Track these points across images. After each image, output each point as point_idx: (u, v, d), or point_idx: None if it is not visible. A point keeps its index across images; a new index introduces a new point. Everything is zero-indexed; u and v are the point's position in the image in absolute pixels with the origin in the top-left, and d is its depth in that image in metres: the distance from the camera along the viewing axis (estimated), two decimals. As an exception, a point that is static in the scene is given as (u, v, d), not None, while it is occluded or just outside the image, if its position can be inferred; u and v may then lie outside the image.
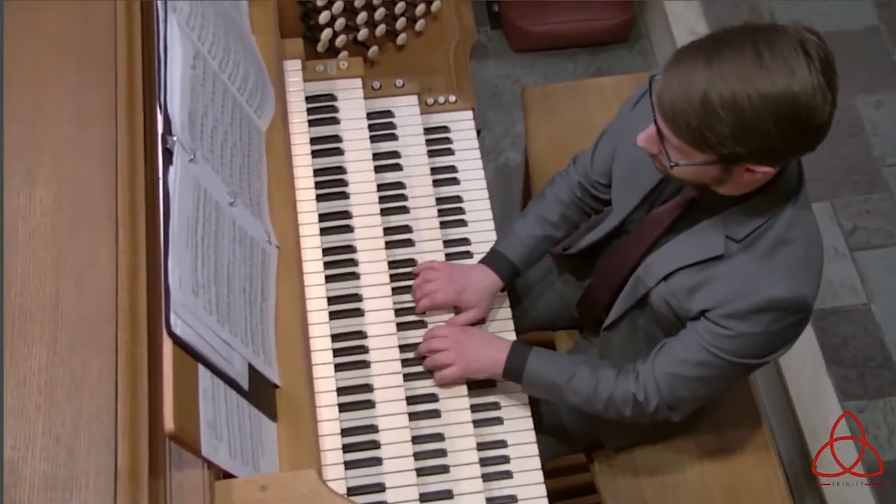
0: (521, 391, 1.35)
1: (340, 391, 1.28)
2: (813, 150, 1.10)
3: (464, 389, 1.37)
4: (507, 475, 1.34)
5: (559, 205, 1.43)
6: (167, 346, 1.00)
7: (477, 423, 1.35)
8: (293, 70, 1.46)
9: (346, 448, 1.25)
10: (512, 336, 1.43)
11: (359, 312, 1.37)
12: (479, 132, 1.62)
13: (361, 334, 1.35)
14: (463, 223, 1.52)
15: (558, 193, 1.44)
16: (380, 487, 1.25)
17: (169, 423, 0.96)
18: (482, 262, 1.42)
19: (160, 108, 1.10)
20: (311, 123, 1.46)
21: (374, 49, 1.70)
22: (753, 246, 1.16)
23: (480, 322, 1.41)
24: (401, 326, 1.39)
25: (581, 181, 1.43)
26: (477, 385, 1.39)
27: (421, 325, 1.41)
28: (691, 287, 1.20)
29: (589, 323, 1.52)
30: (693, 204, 1.23)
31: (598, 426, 1.47)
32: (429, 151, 1.54)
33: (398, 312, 1.39)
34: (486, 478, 1.32)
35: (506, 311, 1.45)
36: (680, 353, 1.23)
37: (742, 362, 1.21)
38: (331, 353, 1.28)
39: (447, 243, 1.48)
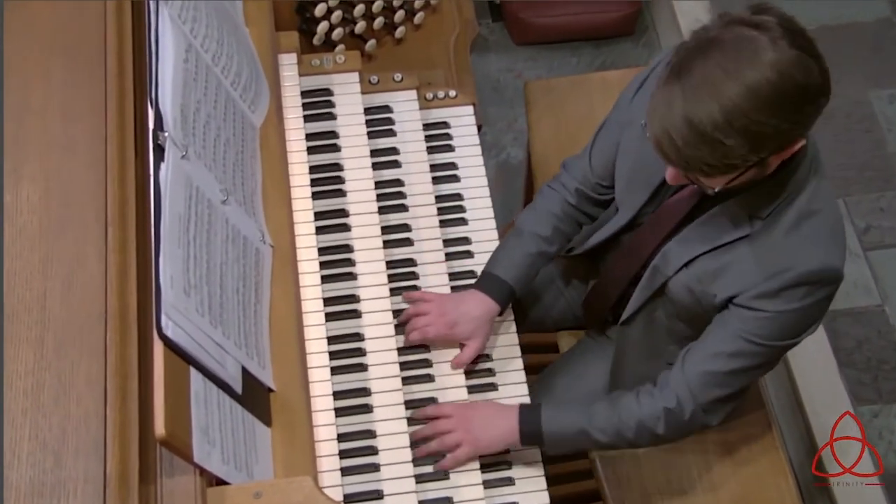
0: (547, 452, 1.31)
1: (337, 395, 1.26)
2: (826, 104, 1.07)
3: (464, 393, 1.35)
4: (509, 482, 1.32)
5: (552, 218, 1.39)
6: (158, 349, 0.99)
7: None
8: (288, 64, 1.45)
9: (343, 454, 1.23)
10: (514, 339, 1.41)
11: (356, 314, 1.35)
12: (479, 128, 1.61)
13: (358, 336, 1.33)
14: (463, 221, 1.50)
15: (550, 207, 1.39)
16: (377, 494, 1.24)
17: (160, 428, 0.95)
18: (476, 286, 1.37)
19: (151, 103, 1.09)
20: (307, 119, 1.44)
21: (371, 42, 1.68)
22: (777, 222, 1.14)
23: (485, 355, 1.36)
24: (399, 329, 1.37)
25: (579, 187, 1.39)
26: (477, 388, 1.37)
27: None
28: (716, 271, 1.18)
29: (594, 322, 1.50)
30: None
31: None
32: (428, 148, 1.52)
33: (396, 314, 1.38)
34: (487, 484, 1.30)
35: (507, 313, 1.42)
36: (712, 348, 1.20)
37: (778, 344, 1.18)
38: (327, 355, 1.27)
39: (447, 242, 1.47)
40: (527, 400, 1.37)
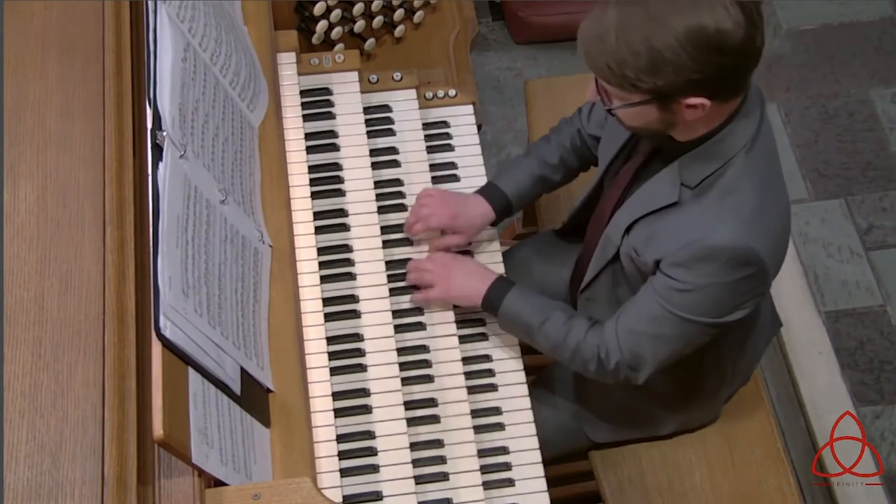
0: (499, 326, 1.37)
1: (336, 396, 1.26)
2: (746, 77, 1.10)
3: (464, 393, 1.34)
4: (509, 483, 1.31)
5: (560, 149, 1.45)
6: (156, 350, 0.98)
7: (477, 429, 1.33)
8: (287, 63, 1.45)
9: (342, 455, 1.23)
10: (514, 339, 1.40)
11: (355, 314, 1.34)
12: (479, 127, 1.60)
13: (358, 337, 1.33)
14: (463, 221, 1.49)
15: (561, 139, 1.46)
16: (377, 496, 1.23)
17: (158, 429, 0.95)
18: (478, 192, 1.44)
19: (149, 102, 1.08)
20: (306, 118, 1.44)
21: (370, 41, 1.68)
22: (705, 194, 1.16)
23: (467, 249, 1.44)
24: (399, 329, 1.37)
25: (580, 129, 1.45)
26: (478, 389, 1.37)
27: (420, 327, 1.39)
28: (647, 237, 1.20)
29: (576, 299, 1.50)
30: (656, 154, 1.24)
31: (583, 416, 1.46)
32: (428, 147, 1.52)
33: (396, 314, 1.37)
34: (487, 485, 1.30)
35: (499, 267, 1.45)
36: (638, 308, 1.23)
37: (692, 319, 1.18)
38: (326, 356, 1.26)
39: (447, 242, 1.46)
40: (527, 401, 1.37)
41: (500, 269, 1.46)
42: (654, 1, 1.04)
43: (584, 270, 1.37)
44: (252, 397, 1.12)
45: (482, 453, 1.31)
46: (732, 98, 1.12)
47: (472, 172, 1.52)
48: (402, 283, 1.40)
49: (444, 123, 1.56)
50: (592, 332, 1.27)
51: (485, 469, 1.30)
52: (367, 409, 1.28)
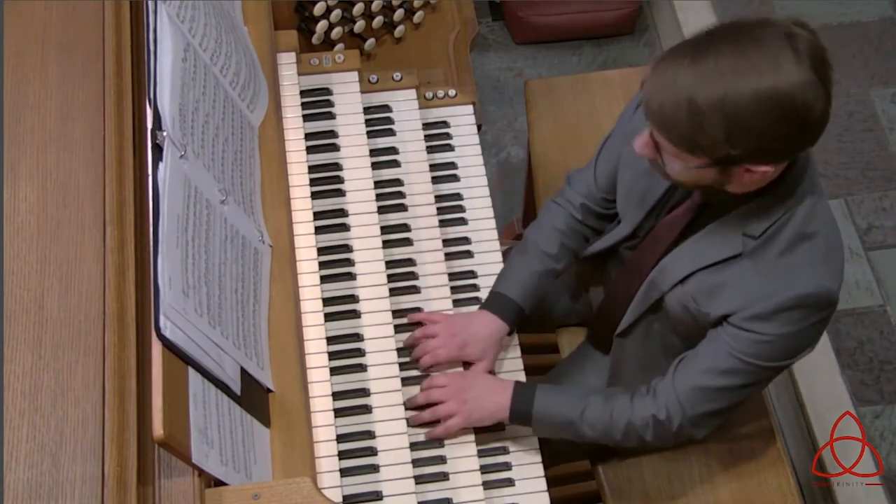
0: (532, 434, 1.31)
1: (336, 396, 1.26)
2: (812, 146, 1.08)
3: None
4: (509, 483, 1.31)
5: (558, 235, 1.38)
6: (156, 350, 0.98)
7: (477, 430, 1.33)
8: (287, 63, 1.44)
9: (342, 455, 1.23)
10: (514, 339, 1.40)
11: (355, 314, 1.34)
12: (479, 127, 1.60)
13: (358, 337, 1.33)
14: (463, 221, 1.49)
15: (555, 223, 1.39)
16: (377, 495, 1.23)
17: (158, 429, 0.95)
18: (484, 306, 1.36)
19: (150, 102, 1.08)
20: (306, 118, 1.44)
21: (370, 41, 1.68)
22: (772, 242, 1.13)
23: (490, 372, 1.35)
24: (398, 329, 1.36)
25: (584, 202, 1.38)
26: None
27: (420, 327, 1.38)
28: (710, 289, 1.17)
29: (600, 341, 1.48)
30: (705, 207, 1.20)
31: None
32: (428, 147, 1.52)
33: (396, 314, 1.37)
34: (487, 486, 1.29)
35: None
36: (704, 363, 1.20)
37: (771, 365, 1.18)
38: (326, 356, 1.26)
39: (447, 242, 1.46)
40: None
41: (500, 268, 1.44)
42: (732, 58, 0.98)
43: (611, 317, 1.34)
44: (252, 397, 1.12)
45: (482, 453, 1.31)
46: (789, 161, 1.10)
47: (472, 172, 1.52)
48: (402, 284, 1.40)
49: (444, 123, 1.56)
50: (639, 403, 1.23)
51: (485, 469, 1.30)
52: (367, 409, 1.28)
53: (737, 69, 0.99)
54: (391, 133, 1.51)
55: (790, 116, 1.00)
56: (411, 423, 1.28)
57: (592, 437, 1.27)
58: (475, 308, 1.40)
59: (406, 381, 1.32)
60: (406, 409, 1.28)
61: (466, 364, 1.35)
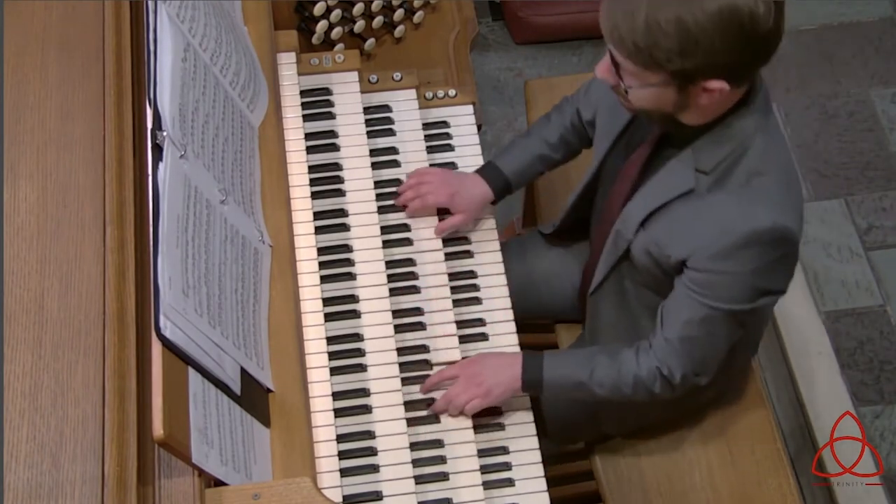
0: (547, 399, 1.33)
1: (336, 396, 1.26)
2: (766, 62, 1.10)
3: (464, 393, 1.34)
4: (509, 483, 1.31)
5: (560, 128, 1.44)
6: (156, 350, 0.98)
7: (477, 429, 1.33)
8: (287, 63, 1.44)
9: (342, 455, 1.23)
10: (514, 339, 1.40)
11: (355, 314, 1.34)
12: (480, 127, 1.60)
13: (358, 337, 1.33)
14: (463, 221, 1.49)
15: (562, 118, 1.44)
16: (377, 496, 1.23)
17: (158, 429, 0.95)
18: (477, 172, 1.44)
19: (150, 102, 1.08)
20: (306, 118, 1.43)
21: (370, 41, 1.68)
22: (727, 180, 1.15)
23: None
24: (399, 329, 1.36)
25: (579, 108, 1.44)
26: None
27: (420, 327, 1.38)
28: (669, 230, 1.19)
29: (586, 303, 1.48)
30: (663, 141, 1.22)
31: (600, 415, 1.44)
32: (428, 147, 1.52)
33: (396, 314, 1.37)
34: (487, 485, 1.29)
35: (498, 267, 1.44)
36: (681, 314, 1.21)
37: (740, 308, 1.17)
38: (326, 356, 1.26)
39: (446, 242, 1.46)
40: (528, 401, 1.36)
41: (500, 268, 1.45)
42: None
43: (593, 270, 1.36)
44: (252, 397, 1.12)
45: (482, 453, 1.31)
46: (746, 84, 1.12)
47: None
48: (402, 283, 1.40)
49: (444, 123, 1.56)
50: (643, 357, 1.24)
51: (485, 469, 1.30)
52: (367, 409, 1.28)
53: None
54: (391, 133, 1.51)
55: (742, 30, 1.03)
56: (435, 410, 1.30)
57: (603, 395, 1.28)
58: (475, 311, 1.41)
59: (406, 381, 1.32)
60: (428, 412, 1.30)
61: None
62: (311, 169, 1.39)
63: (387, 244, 1.41)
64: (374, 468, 1.24)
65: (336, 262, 1.37)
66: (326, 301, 1.31)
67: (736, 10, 1.03)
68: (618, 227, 1.26)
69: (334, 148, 1.46)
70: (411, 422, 1.30)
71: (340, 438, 1.23)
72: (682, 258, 1.17)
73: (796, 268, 1.24)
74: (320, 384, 1.23)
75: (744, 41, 1.04)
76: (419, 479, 1.26)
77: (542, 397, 1.40)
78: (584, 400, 1.32)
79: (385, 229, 1.42)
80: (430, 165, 1.50)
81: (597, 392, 1.28)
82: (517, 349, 1.41)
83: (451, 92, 1.57)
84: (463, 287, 1.43)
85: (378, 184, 1.45)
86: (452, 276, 1.43)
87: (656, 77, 1.08)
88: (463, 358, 1.36)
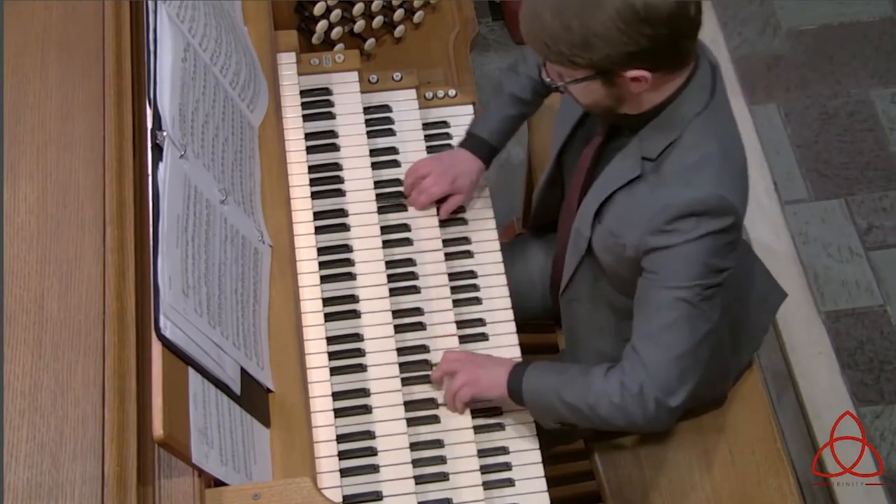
0: (531, 413, 1.31)
1: (336, 396, 1.26)
2: (682, 47, 1.11)
3: (464, 394, 1.34)
4: (509, 483, 1.31)
5: (530, 81, 1.44)
6: (156, 350, 0.98)
7: (478, 429, 1.33)
8: (287, 63, 1.44)
9: (342, 455, 1.23)
10: (514, 339, 1.40)
11: (355, 314, 1.34)
12: (479, 127, 1.59)
13: (358, 337, 1.33)
14: (463, 221, 1.49)
15: (529, 70, 1.44)
16: (377, 496, 1.23)
17: (158, 429, 0.95)
18: (462, 145, 1.46)
19: (150, 102, 1.08)
20: (306, 118, 1.44)
21: (370, 41, 1.68)
22: (666, 161, 1.17)
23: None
24: (399, 329, 1.36)
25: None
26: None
27: (420, 327, 1.38)
28: (620, 217, 1.20)
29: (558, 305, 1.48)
30: (613, 132, 1.24)
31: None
32: (428, 147, 1.52)
33: (396, 314, 1.37)
34: (487, 486, 1.29)
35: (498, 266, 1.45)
36: (642, 310, 1.20)
37: (687, 285, 1.16)
38: (326, 356, 1.26)
39: (446, 242, 1.46)
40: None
41: (501, 268, 1.45)
42: None
43: (560, 271, 1.36)
44: (252, 397, 1.12)
45: (482, 453, 1.31)
46: (677, 69, 1.14)
47: (472, 172, 1.52)
48: (402, 284, 1.40)
49: (444, 123, 1.56)
50: (612, 371, 1.21)
51: (485, 469, 1.29)
52: (367, 409, 1.28)
53: None
54: (391, 133, 1.51)
55: (638, 17, 1.05)
56: (433, 380, 1.32)
57: (575, 419, 1.24)
58: (475, 311, 1.41)
59: (406, 381, 1.32)
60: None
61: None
62: (311, 169, 1.39)
63: (387, 244, 1.41)
64: (374, 468, 1.24)
65: (336, 262, 1.37)
66: (326, 301, 1.31)
67: (631, 2, 1.05)
68: (576, 224, 1.28)
69: (334, 148, 1.46)
70: (411, 422, 1.30)
71: (340, 438, 1.23)
72: (633, 244, 1.19)
73: (797, 268, 1.24)
74: (320, 384, 1.23)
75: (644, 28, 1.06)
76: (419, 480, 1.26)
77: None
78: (562, 415, 1.27)
79: (385, 229, 1.42)
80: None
81: (564, 414, 1.24)
82: (517, 349, 1.41)
83: (451, 92, 1.57)
84: (463, 287, 1.43)
85: (378, 184, 1.45)
86: (452, 276, 1.43)
87: (579, 72, 1.12)
88: None
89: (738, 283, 1.31)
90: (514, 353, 1.40)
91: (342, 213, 1.41)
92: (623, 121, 1.20)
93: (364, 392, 1.29)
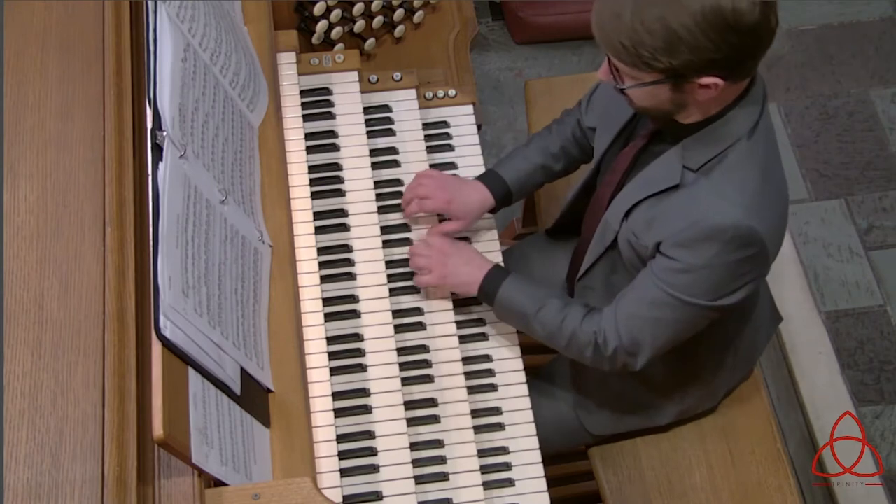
0: (494, 315, 1.36)
1: (336, 396, 1.26)
2: (759, 56, 1.10)
3: (464, 393, 1.34)
4: (509, 483, 1.31)
5: (562, 138, 1.45)
6: (156, 350, 0.98)
7: (477, 429, 1.33)
8: (287, 63, 1.44)
9: (342, 455, 1.23)
10: (514, 339, 1.40)
11: (355, 314, 1.34)
12: (479, 127, 1.60)
13: (358, 337, 1.33)
14: (463, 221, 1.49)
15: (562, 129, 1.46)
16: (377, 496, 1.23)
17: (158, 429, 0.95)
18: (478, 178, 1.44)
19: (150, 102, 1.08)
20: (306, 118, 1.44)
21: (370, 41, 1.68)
22: (706, 176, 1.16)
23: (465, 240, 1.43)
24: (399, 329, 1.36)
25: (579, 120, 1.45)
26: (477, 389, 1.36)
27: (420, 327, 1.38)
28: (648, 220, 1.20)
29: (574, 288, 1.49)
30: (656, 136, 1.23)
31: (581, 405, 1.45)
32: (428, 147, 1.52)
33: (396, 314, 1.37)
34: (487, 486, 1.30)
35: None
36: (637, 292, 1.22)
37: (691, 301, 1.18)
38: (326, 356, 1.26)
39: (447, 242, 1.45)
40: (527, 401, 1.37)
41: (499, 257, 1.46)
42: None
43: (581, 259, 1.37)
44: (252, 397, 1.12)
45: (482, 453, 1.31)
46: (743, 79, 1.13)
47: (472, 172, 1.51)
48: (402, 283, 1.40)
49: (444, 123, 1.56)
50: (589, 319, 1.26)
51: (485, 469, 1.30)
52: (367, 409, 1.28)
53: None
54: (391, 133, 1.51)
55: (727, 25, 1.04)
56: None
57: (541, 335, 1.30)
58: (476, 310, 1.41)
59: (406, 381, 1.32)
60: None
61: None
62: (311, 169, 1.40)
63: (387, 244, 1.41)
64: (374, 468, 1.24)
65: (336, 262, 1.37)
66: (326, 301, 1.31)
67: (718, 7, 1.03)
68: (607, 216, 1.27)
69: (334, 148, 1.46)
70: (411, 422, 1.30)
71: (340, 438, 1.23)
72: (653, 246, 1.19)
73: (797, 268, 1.24)
74: (320, 384, 1.23)
75: (730, 36, 1.05)
76: (419, 480, 1.26)
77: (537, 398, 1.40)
78: (523, 330, 1.34)
79: (385, 229, 1.42)
80: (430, 166, 1.50)
81: (537, 330, 1.30)
82: (517, 349, 1.41)
83: (451, 92, 1.57)
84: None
85: (378, 184, 1.45)
86: (452, 276, 1.43)
87: (650, 76, 1.09)
88: (464, 358, 1.36)
89: (746, 306, 1.31)
90: (515, 352, 1.40)
91: (342, 213, 1.41)
92: (670, 126, 1.18)
93: (364, 392, 1.29)
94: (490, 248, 1.46)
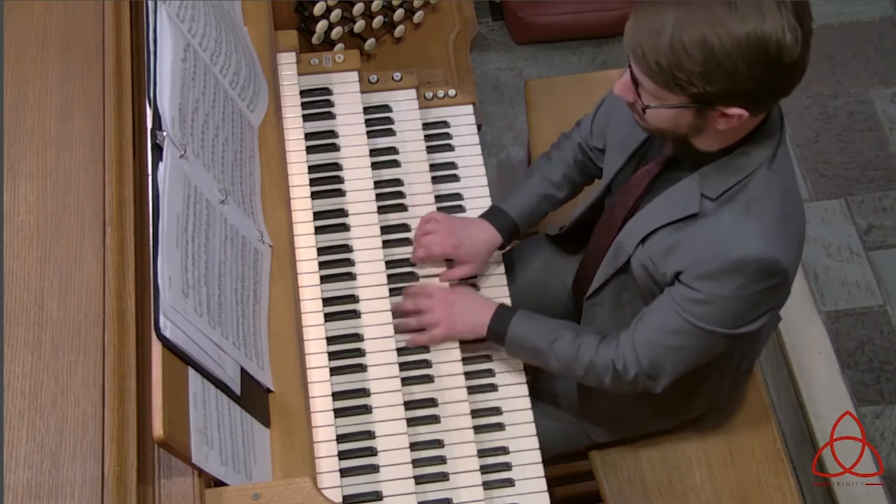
0: (506, 354, 1.36)
1: (336, 396, 1.26)
2: (787, 93, 1.09)
3: (464, 393, 1.34)
4: (509, 483, 1.31)
5: (563, 165, 1.44)
6: (156, 350, 0.98)
7: (478, 429, 1.33)
8: (287, 63, 1.44)
9: (342, 455, 1.23)
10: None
11: (355, 314, 1.34)
12: (479, 127, 1.60)
13: (358, 337, 1.33)
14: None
15: (563, 155, 1.45)
16: (377, 496, 1.23)
17: (158, 429, 0.95)
18: (483, 216, 1.42)
19: (149, 102, 1.08)
20: (306, 118, 1.43)
21: (370, 41, 1.68)
22: (727, 206, 1.15)
23: (473, 278, 1.42)
24: (398, 329, 1.36)
25: (581, 143, 1.44)
26: (477, 389, 1.36)
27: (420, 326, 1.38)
28: (667, 249, 1.19)
29: (581, 304, 1.49)
30: (672, 162, 1.22)
31: (586, 419, 1.45)
32: (428, 147, 1.52)
33: (396, 314, 1.36)
34: (487, 486, 1.30)
35: (501, 279, 1.44)
36: (656, 320, 1.22)
37: (715, 330, 1.18)
38: (326, 356, 1.26)
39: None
40: (527, 401, 1.37)
41: (502, 268, 1.45)
42: (717, 4, 1.01)
43: (588, 276, 1.36)
44: (252, 397, 1.12)
45: (482, 453, 1.31)
46: (764, 112, 1.11)
47: (472, 172, 1.52)
48: (402, 284, 1.40)
49: (444, 123, 1.56)
50: (605, 346, 1.26)
51: (485, 469, 1.30)
52: (367, 409, 1.28)
53: (721, 12, 1.01)
54: (391, 133, 1.51)
55: (769, 59, 1.02)
56: (398, 330, 1.32)
57: (557, 367, 1.30)
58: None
59: (406, 381, 1.32)
60: (392, 315, 1.32)
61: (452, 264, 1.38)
62: (311, 169, 1.39)
63: (387, 244, 1.41)
64: (374, 468, 1.24)
65: (336, 262, 1.37)
66: (326, 301, 1.31)
67: (764, 37, 1.00)
68: (620, 238, 1.25)
69: (334, 148, 1.46)
70: (411, 422, 1.30)
71: (340, 438, 1.23)
72: (673, 273, 1.18)
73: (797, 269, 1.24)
74: (320, 384, 1.23)
75: (768, 69, 1.02)
76: (419, 480, 1.26)
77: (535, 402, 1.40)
78: (538, 365, 1.33)
79: (385, 229, 1.42)
80: (431, 165, 1.50)
81: (552, 363, 1.30)
82: (517, 349, 1.41)
83: (451, 92, 1.57)
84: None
85: (378, 184, 1.45)
86: (453, 275, 1.43)
87: (676, 98, 1.07)
88: (463, 358, 1.36)
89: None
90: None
91: (342, 213, 1.41)
92: (689, 154, 1.16)
93: (364, 392, 1.29)
94: (497, 283, 1.45)
